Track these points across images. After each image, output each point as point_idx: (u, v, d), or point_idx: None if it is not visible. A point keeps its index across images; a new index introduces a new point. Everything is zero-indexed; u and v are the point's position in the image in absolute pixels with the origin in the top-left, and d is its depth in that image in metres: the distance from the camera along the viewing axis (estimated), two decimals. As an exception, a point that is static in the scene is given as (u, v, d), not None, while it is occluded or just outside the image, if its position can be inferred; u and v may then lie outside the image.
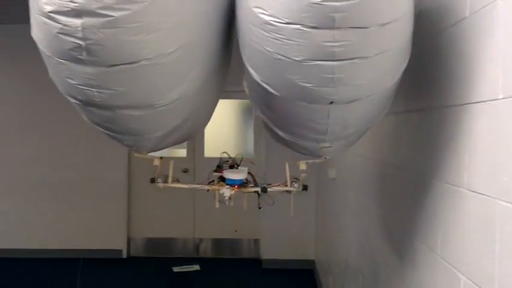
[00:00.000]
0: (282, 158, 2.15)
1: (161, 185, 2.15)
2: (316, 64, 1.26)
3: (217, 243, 6.19)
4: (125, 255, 6.07)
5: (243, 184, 2.08)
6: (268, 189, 2.11)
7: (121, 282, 5.22)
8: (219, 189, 2.06)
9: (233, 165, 2.12)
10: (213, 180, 2.11)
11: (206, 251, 6.19)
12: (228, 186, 2.02)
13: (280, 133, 1.80)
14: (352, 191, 3.22)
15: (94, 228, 6.04)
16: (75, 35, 1.19)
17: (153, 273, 5.51)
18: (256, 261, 5.93)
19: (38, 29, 1.27)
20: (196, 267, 5.72)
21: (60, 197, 6.04)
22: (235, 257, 6.12)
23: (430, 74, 1.72)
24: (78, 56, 1.24)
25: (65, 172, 6.04)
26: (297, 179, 2.12)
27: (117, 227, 6.06)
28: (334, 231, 3.84)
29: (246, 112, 6.22)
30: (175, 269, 5.61)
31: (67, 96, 1.47)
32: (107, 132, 1.67)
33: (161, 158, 2.14)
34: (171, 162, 2.12)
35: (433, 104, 1.69)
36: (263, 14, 1.23)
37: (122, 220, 6.07)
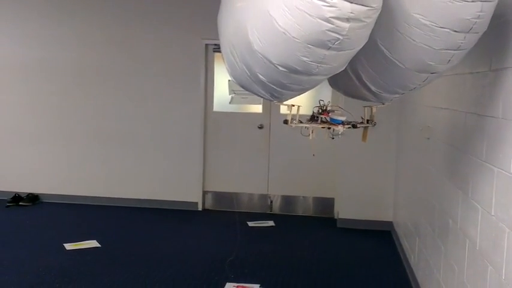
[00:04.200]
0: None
1: (293, 125, 2.68)
2: (446, 52, 1.93)
3: (291, 200, 6.17)
4: (200, 208, 6.19)
5: (342, 122, 2.65)
6: (358, 126, 2.74)
7: (199, 232, 5.34)
8: (331, 128, 2.69)
9: (325, 109, 2.71)
10: (316, 121, 2.73)
11: (279, 207, 6.20)
12: (341, 125, 2.64)
13: (373, 88, 2.39)
14: (447, 148, 3.04)
15: (171, 181, 6.19)
16: (341, 33, 1.71)
17: (229, 226, 5.58)
18: (330, 220, 5.88)
19: (303, 25, 1.72)
20: (271, 223, 5.75)
21: (140, 150, 6.21)
22: (308, 215, 6.09)
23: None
24: (329, 45, 1.76)
25: (146, 127, 6.18)
26: (368, 119, 2.81)
27: (193, 180, 6.16)
28: (425, 192, 3.67)
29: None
30: (250, 224, 5.66)
31: (277, 65, 1.95)
32: (280, 89, 2.20)
33: (293, 105, 2.67)
34: (299, 108, 2.69)
35: None
36: (423, 18, 1.84)
37: (197, 174, 6.16)
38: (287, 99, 2.53)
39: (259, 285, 3.92)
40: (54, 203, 6.25)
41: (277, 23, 1.78)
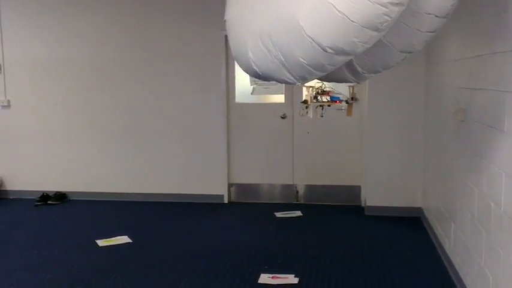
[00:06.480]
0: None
1: (311, 104, 3.34)
2: (430, 34, 2.42)
3: (316, 189, 6.14)
4: (226, 201, 6.20)
5: (340, 99, 3.37)
6: (350, 102, 3.49)
7: (228, 225, 5.34)
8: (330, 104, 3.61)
9: (322, 89, 3.47)
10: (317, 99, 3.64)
11: (305, 197, 6.17)
12: (342, 102, 3.42)
13: (359, 69, 2.76)
14: (485, 129, 2.98)
15: (197, 175, 6.20)
16: (391, 15, 2.05)
17: (256, 217, 5.58)
18: (358, 208, 5.84)
19: (362, 9, 2.03)
20: (298, 213, 5.73)
21: (164, 145, 6.23)
22: (335, 204, 6.05)
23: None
24: (379, 26, 2.08)
25: (170, 121, 6.20)
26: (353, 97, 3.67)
27: (218, 173, 6.16)
28: (461, 176, 3.61)
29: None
30: (278, 215, 5.65)
31: (327, 47, 2.18)
32: (315, 70, 2.39)
33: (311, 87, 3.34)
34: (312, 89, 3.46)
35: None
36: (415, 7, 2.27)
37: (222, 166, 6.16)
38: (311, 80, 2.88)
39: (293, 275, 3.91)
40: (82, 200, 6.31)
41: (336, 8, 2.07)
